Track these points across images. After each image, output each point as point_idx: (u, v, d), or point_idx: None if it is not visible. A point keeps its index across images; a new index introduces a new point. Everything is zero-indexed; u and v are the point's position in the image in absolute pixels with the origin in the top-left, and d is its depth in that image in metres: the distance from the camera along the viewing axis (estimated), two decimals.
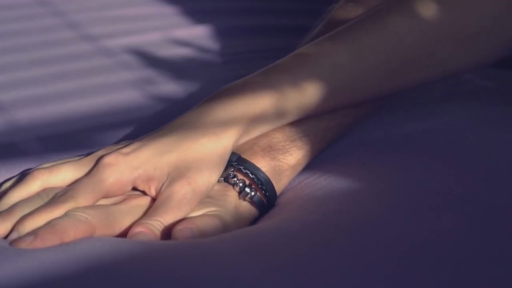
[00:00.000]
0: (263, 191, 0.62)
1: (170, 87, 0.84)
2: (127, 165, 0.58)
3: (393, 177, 0.61)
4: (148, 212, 0.58)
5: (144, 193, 0.60)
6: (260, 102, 0.62)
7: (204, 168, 0.59)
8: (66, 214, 0.55)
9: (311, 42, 0.67)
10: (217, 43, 0.96)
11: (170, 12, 1.05)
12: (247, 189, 0.61)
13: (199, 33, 0.98)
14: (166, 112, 0.79)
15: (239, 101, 0.62)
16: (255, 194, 0.61)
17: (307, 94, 0.63)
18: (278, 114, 0.63)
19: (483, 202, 0.56)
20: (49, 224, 0.54)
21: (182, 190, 0.58)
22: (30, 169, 0.61)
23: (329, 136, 0.67)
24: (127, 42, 0.94)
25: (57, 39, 0.95)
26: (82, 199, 0.57)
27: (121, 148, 0.59)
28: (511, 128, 0.68)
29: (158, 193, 0.59)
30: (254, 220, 0.62)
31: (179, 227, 0.57)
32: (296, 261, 0.50)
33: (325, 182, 0.62)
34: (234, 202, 0.61)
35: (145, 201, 0.59)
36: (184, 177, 0.58)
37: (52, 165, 0.60)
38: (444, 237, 0.52)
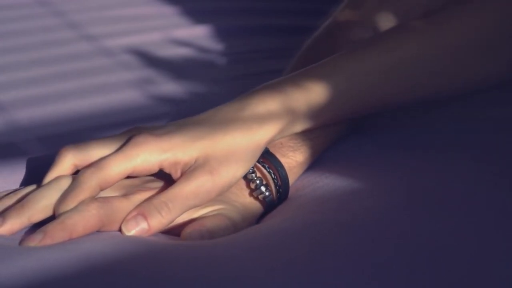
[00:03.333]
0: (278, 194, 0.62)
1: (170, 87, 0.84)
2: (157, 147, 0.58)
3: (394, 176, 0.61)
4: (164, 191, 0.58)
5: (169, 176, 0.59)
6: (298, 102, 0.62)
7: (232, 162, 0.59)
8: (75, 208, 0.55)
9: (347, 49, 0.66)
10: (217, 43, 0.96)
11: (170, 12, 1.05)
12: (263, 188, 0.61)
13: (199, 33, 0.98)
14: (166, 112, 0.79)
15: (278, 99, 0.61)
16: (269, 195, 0.61)
17: (343, 100, 0.63)
18: (315, 115, 0.63)
19: (483, 202, 0.56)
20: (58, 220, 0.54)
21: (202, 178, 0.58)
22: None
23: (337, 137, 0.67)
24: (127, 42, 0.94)
25: (57, 39, 0.95)
26: (109, 175, 0.56)
27: (154, 129, 0.59)
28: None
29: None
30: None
31: (188, 230, 0.57)
32: (298, 261, 0.50)
33: (326, 181, 0.62)
34: (242, 199, 0.61)
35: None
36: (209, 165, 0.58)
37: (80, 142, 0.59)
38: (445, 237, 0.52)
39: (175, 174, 0.59)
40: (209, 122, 0.60)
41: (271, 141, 0.62)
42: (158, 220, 0.57)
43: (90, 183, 0.56)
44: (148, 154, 0.57)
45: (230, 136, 0.59)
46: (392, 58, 0.64)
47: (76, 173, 0.59)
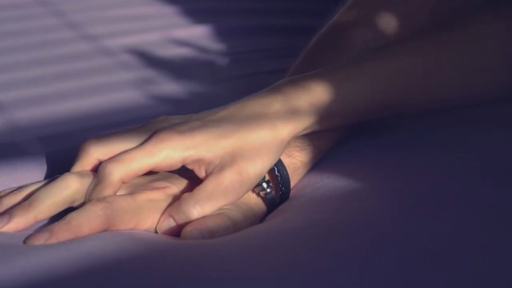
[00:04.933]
0: (280, 192, 0.62)
1: (170, 87, 0.84)
2: (180, 144, 0.58)
3: (394, 177, 0.61)
4: (193, 192, 0.58)
5: (189, 183, 0.60)
6: (322, 99, 0.62)
7: (258, 159, 0.59)
8: (82, 209, 0.55)
9: (372, 50, 0.66)
10: (217, 43, 0.96)
11: (170, 12, 1.05)
12: (264, 184, 0.61)
13: (199, 33, 0.98)
14: (166, 112, 0.79)
15: (304, 97, 0.61)
16: (271, 191, 0.61)
17: (363, 104, 0.63)
18: (334, 115, 0.63)
19: (483, 202, 0.56)
20: (64, 220, 0.54)
21: (231, 178, 0.58)
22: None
23: (341, 137, 0.67)
24: (127, 42, 0.94)
25: (57, 39, 0.95)
26: (131, 169, 0.57)
27: (178, 124, 0.59)
28: None
29: (208, 175, 0.59)
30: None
31: (188, 228, 0.57)
32: (298, 261, 0.50)
33: (327, 181, 0.62)
34: (247, 199, 0.61)
35: (164, 195, 0.59)
36: (236, 165, 0.58)
37: (103, 135, 0.59)
38: (445, 237, 0.52)
39: (199, 172, 0.59)
40: (234, 119, 0.60)
41: (295, 137, 0.62)
42: (191, 215, 0.57)
43: (112, 177, 0.56)
44: (171, 150, 0.57)
45: (256, 134, 0.59)
46: (410, 65, 0.64)
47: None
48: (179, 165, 0.58)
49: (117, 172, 0.57)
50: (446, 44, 0.66)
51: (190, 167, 0.59)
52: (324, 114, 0.62)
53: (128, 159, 0.57)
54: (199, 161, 0.58)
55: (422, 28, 0.67)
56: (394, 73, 0.64)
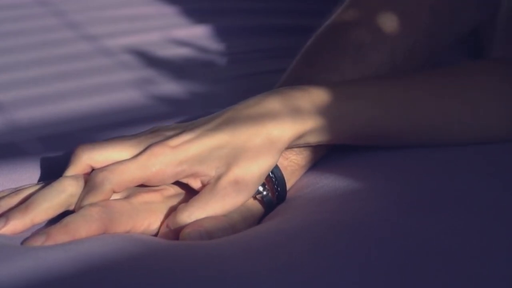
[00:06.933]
0: (276, 193, 0.62)
1: (170, 87, 0.84)
2: (173, 158, 0.57)
3: (393, 177, 0.61)
4: (188, 202, 0.58)
5: (186, 185, 0.59)
6: (320, 106, 0.61)
7: (254, 166, 0.59)
8: (78, 213, 0.55)
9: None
10: (217, 43, 0.96)
11: (170, 12, 1.05)
12: (261, 188, 0.61)
13: (199, 33, 0.98)
14: (166, 112, 0.79)
15: (301, 99, 0.61)
16: (267, 194, 0.61)
17: (364, 124, 0.63)
18: (332, 128, 0.62)
19: (483, 202, 0.56)
20: (61, 223, 0.54)
21: (227, 187, 0.58)
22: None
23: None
24: (127, 42, 0.94)
25: (57, 39, 0.95)
26: (123, 181, 0.57)
27: (171, 137, 0.59)
28: None
29: (204, 185, 0.59)
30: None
31: (187, 230, 0.57)
32: (298, 261, 0.50)
33: (326, 181, 0.62)
34: None
35: (161, 197, 0.59)
36: (233, 173, 0.58)
37: (96, 142, 0.59)
38: (445, 237, 0.52)
39: (195, 184, 0.59)
40: (227, 127, 0.59)
41: (291, 146, 0.61)
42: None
43: (103, 187, 0.56)
44: (164, 165, 0.57)
45: (251, 142, 0.59)
46: (411, 96, 0.64)
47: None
48: (172, 180, 0.58)
49: (109, 182, 0.57)
50: (448, 86, 0.65)
51: (184, 181, 0.59)
52: (320, 125, 0.61)
53: (120, 171, 0.57)
54: (193, 174, 0.58)
55: (431, 67, 0.68)
56: (394, 102, 0.63)
